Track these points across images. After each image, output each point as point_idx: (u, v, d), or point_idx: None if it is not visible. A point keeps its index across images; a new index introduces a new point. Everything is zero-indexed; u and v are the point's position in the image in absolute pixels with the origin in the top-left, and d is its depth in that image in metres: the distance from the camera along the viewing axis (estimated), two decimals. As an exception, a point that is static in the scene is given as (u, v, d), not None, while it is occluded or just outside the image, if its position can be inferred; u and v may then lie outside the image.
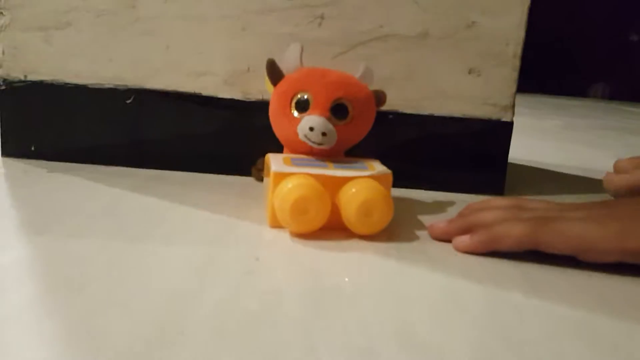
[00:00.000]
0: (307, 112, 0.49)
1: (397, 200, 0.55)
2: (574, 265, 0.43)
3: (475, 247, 0.44)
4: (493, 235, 0.44)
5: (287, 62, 0.52)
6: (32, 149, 0.64)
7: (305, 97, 0.49)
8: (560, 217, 0.44)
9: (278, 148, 0.54)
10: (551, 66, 2.90)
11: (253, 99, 0.62)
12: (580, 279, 0.42)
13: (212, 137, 0.63)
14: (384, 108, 0.55)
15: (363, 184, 0.46)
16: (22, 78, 0.63)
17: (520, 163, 0.86)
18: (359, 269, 0.41)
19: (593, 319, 0.36)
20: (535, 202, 0.47)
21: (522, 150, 0.93)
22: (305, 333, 0.31)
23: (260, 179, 0.61)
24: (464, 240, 0.45)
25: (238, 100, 0.62)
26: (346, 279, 0.39)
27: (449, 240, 0.47)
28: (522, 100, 2.26)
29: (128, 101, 0.63)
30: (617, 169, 0.64)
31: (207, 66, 0.62)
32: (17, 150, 0.64)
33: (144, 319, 0.31)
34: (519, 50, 0.61)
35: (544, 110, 2.04)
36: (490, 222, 0.45)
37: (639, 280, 0.42)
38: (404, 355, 0.30)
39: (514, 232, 0.43)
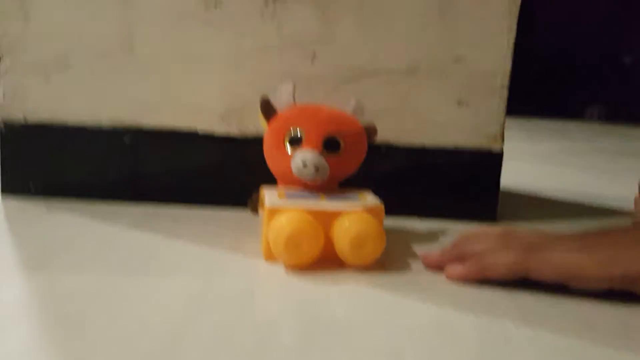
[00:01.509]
0: (300, 147, 0.50)
1: (390, 231, 0.56)
2: (564, 292, 0.44)
3: (466, 275, 0.45)
4: (484, 264, 0.45)
5: (280, 100, 0.54)
6: (31, 187, 0.65)
7: (298, 133, 0.51)
8: (549, 246, 0.45)
9: (273, 181, 0.55)
10: (547, 89, 2.94)
11: (249, 134, 0.64)
12: (570, 306, 0.42)
13: (209, 171, 0.64)
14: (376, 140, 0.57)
15: (355, 217, 0.47)
16: (22, 120, 0.64)
17: (515, 190, 0.87)
18: (352, 302, 0.42)
19: (582, 346, 0.36)
20: (525, 232, 0.48)
21: (517, 175, 0.94)
22: (298, 367, 0.32)
23: (256, 211, 0.62)
24: (456, 269, 0.46)
25: (234, 136, 0.64)
26: (342, 312, 0.40)
27: (442, 270, 0.47)
28: (518, 124, 2.28)
29: (126, 140, 0.64)
30: None
31: (202, 104, 0.63)
32: (16, 188, 0.65)
33: (140, 353, 0.32)
34: (505, 81, 0.62)
35: (540, 133, 2.06)
36: (481, 251, 0.46)
37: (627, 307, 0.43)
38: (394, 387, 0.30)
39: (504, 261, 0.44)
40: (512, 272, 0.44)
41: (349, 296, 0.42)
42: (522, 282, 0.45)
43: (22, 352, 0.32)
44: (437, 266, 0.48)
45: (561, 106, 3.00)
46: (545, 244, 0.45)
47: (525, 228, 0.50)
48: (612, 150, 1.67)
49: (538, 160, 1.33)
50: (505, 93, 0.63)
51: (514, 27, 0.62)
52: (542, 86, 2.89)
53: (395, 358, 0.33)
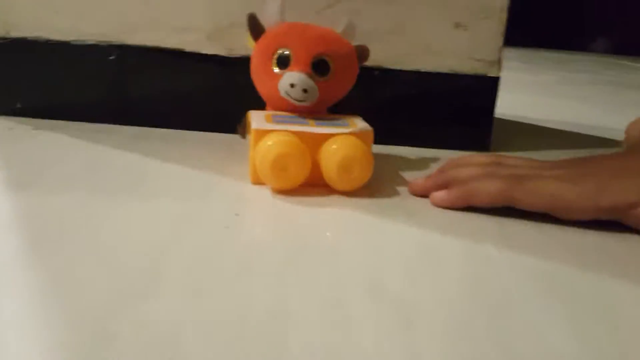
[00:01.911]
0: (288, 69, 0.49)
1: (380, 157, 0.56)
2: (549, 219, 0.44)
3: (451, 202, 0.45)
4: (469, 191, 0.44)
5: (268, 17, 0.51)
6: (18, 106, 0.64)
7: (286, 53, 0.49)
8: (536, 175, 0.44)
9: (262, 105, 0.54)
10: (553, 20, 2.85)
11: (237, 55, 0.61)
12: (555, 232, 0.42)
13: (196, 94, 0.63)
14: (368, 64, 0.55)
15: (343, 141, 0.46)
16: (5, 35, 0.62)
17: (511, 118, 0.86)
18: (338, 225, 0.42)
19: (565, 271, 0.36)
20: (514, 159, 0.47)
21: (513, 105, 0.93)
22: (279, 284, 0.32)
23: (244, 136, 0.61)
24: (440, 195, 0.46)
25: (222, 56, 0.62)
26: (328, 234, 0.40)
27: (427, 196, 0.47)
28: (520, 54, 2.23)
29: (111, 57, 0.62)
30: None
31: (189, 22, 0.61)
32: (3, 107, 0.64)
33: (121, 271, 0.32)
34: (505, 3, 0.60)
35: (541, 65, 2.02)
36: (467, 178, 0.45)
37: (611, 234, 0.43)
38: (373, 307, 0.31)
39: (490, 189, 0.44)
40: (496, 200, 0.44)
41: (334, 220, 0.42)
42: (508, 209, 0.45)
43: (4, 265, 0.32)
44: (423, 192, 0.48)
45: (566, 38, 2.92)
46: (532, 173, 0.45)
47: (514, 155, 0.49)
48: (615, 82, 1.64)
49: (536, 91, 1.31)
50: (504, 16, 0.60)
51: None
52: (547, 17, 2.80)
53: (375, 280, 0.34)
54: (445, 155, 0.62)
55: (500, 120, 0.73)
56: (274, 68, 0.49)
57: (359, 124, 0.49)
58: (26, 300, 0.29)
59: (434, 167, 0.57)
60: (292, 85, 0.48)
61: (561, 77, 1.67)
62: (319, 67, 0.49)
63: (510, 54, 0.59)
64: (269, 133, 0.46)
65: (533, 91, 1.29)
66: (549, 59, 2.29)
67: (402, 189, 0.49)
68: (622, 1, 2.85)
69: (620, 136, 0.78)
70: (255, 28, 0.51)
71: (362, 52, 0.52)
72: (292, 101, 0.49)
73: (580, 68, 2.03)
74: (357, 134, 0.47)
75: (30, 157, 0.51)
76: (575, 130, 0.83)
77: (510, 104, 0.83)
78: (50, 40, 0.62)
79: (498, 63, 0.62)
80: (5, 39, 0.62)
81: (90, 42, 0.62)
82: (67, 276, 0.31)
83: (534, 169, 0.45)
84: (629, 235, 0.42)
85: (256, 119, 0.48)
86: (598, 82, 1.61)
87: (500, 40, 0.61)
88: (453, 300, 0.32)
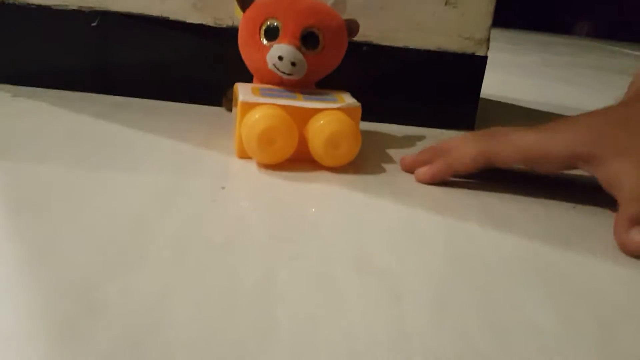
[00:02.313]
0: (277, 41, 0.48)
1: (367, 134, 0.55)
2: (533, 198, 0.45)
3: (434, 174, 0.45)
4: (449, 160, 0.45)
5: (257, -13, 0.50)
6: (-6, 72, 0.62)
7: (275, 24, 0.48)
8: (515, 130, 0.44)
9: (249, 77, 0.53)
10: (536, 2, 2.85)
11: (224, 25, 0.60)
12: (537, 212, 0.43)
13: (181, 64, 0.62)
14: (357, 39, 0.54)
15: (331, 116, 0.46)
16: (-20, -4, 0.60)
17: (494, 99, 0.86)
18: (323, 200, 0.42)
19: (547, 249, 0.37)
20: (499, 128, 0.47)
21: (497, 85, 0.93)
22: (265, 258, 0.32)
23: (230, 109, 0.61)
24: (423, 170, 0.46)
25: (208, 26, 0.60)
26: (312, 210, 0.40)
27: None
28: (504, 35, 2.23)
29: (93, 24, 0.60)
30: None
31: (175, -11, 0.59)
32: (-21, 73, 0.62)
33: (104, 242, 0.32)
34: (496, -18, 0.59)
35: (525, 46, 2.02)
36: (449, 148, 0.45)
37: (594, 214, 0.44)
38: (359, 280, 0.31)
39: (468, 152, 0.44)
40: (477, 162, 0.44)
41: (320, 195, 0.42)
42: (492, 188, 0.45)
43: (-16, 235, 0.31)
44: (410, 168, 0.48)
45: (550, 20, 2.93)
46: (511, 131, 0.44)
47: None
48: (596, 66, 1.66)
49: (520, 72, 1.32)
50: (494, -5, 0.60)
51: None
52: (533, 0, 2.80)
53: (360, 254, 0.34)
54: (431, 133, 0.62)
55: (485, 100, 0.74)
56: (262, 39, 0.49)
57: (347, 99, 0.49)
58: (9, 272, 0.28)
59: (419, 145, 0.57)
60: (280, 58, 0.47)
61: (544, 59, 1.68)
62: (308, 40, 0.48)
63: (494, 34, 0.59)
64: (256, 106, 0.45)
65: (517, 72, 1.30)
66: (532, 41, 2.30)
67: (388, 166, 0.50)
68: (607, -15, 2.87)
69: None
70: (244, -3, 0.50)
71: (352, 27, 0.51)
72: (280, 74, 0.48)
73: (562, 51, 2.05)
74: (345, 110, 0.47)
75: (8, 125, 0.50)
76: (559, 111, 0.84)
77: (494, 83, 0.83)
78: (30, 4, 0.60)
79: (486, 42, 0.62)
80: (-18, 1, 0.60)
81: (72, 7, 0.60)
82: (51, 247, 0.31)
83: (515, 129, 0.45)
84: (612, 215, 0.43)
85: (243, 91, 0.47)
86: (580, 65, 1.63)
87: (489, 19, 0.61)
88: (438, 275, 0.32)
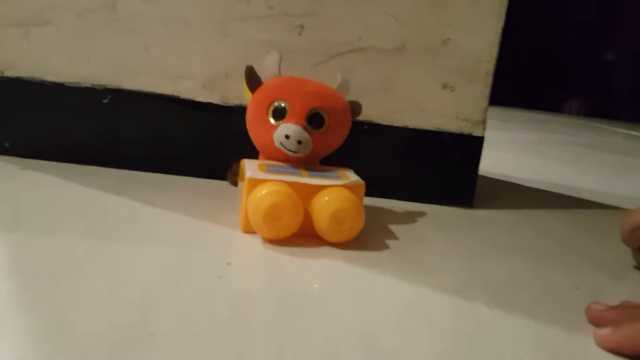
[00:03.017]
0: (284, 120, 0.50)
1: (369, 209, 0.56)
2: (538, 280, 0.45)
3: (618, 343, 0.36)
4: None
5: (266, 70, 0.53)
6: (6, 145, 0.63)
7: (283, 105, 0.50)
8: None
9: (254, 153, 0.54)
10: (527, 81, 2.96)
11: (231, 104, 0.63)
12: (541, 291, 0.43)
13: (188, 140, 0.63)
14: (359, 118, 0.56)
15: (336, 193, 0.47)
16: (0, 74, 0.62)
17: (492, 176, 0.88)
18: (328, 276, 0.42)
19: (554, 331, 0.37)
20: None
21: (494, 163, 0.95)
22: (273, 337, 0.32)
23: (234, 183, 0.62)
24: (605, 334, 0.37)
25: (216, 105, 0.63)
26: (316, 285, 0.40)
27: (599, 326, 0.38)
28: (497, 113, 2.30)
29: (105, 101, 0.63)
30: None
31: (186, 69, 0.62)
32: (-10, 145, 0.63)
33: (113, 319, 0.32)
34: (491, 68, 0.63)
35: (518, 124, 2.08)
36: None
37: (596, 294, 0.44)
38: (367, 361, 0.31)
39: None
40: None
41: (325, 271, 0.43)
42: (496, 266, 0.45)
43: (-9, 309, 0.31)
44: (595, 321, 0.39)
45: (541, 99, 3.03)
46: None
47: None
48: (588, 144, 1.70)
49: (515, 150, 1.35)
50: (489, 80, 0.63)
51: (504, 15, 0.62)
52: (523, 78, 2.91)
53: (367, 334, 0.34)
54: (432, 209, 0.63)
55: (483, 177, 0.75)
56: (270, 119, 0.51)
57: (351, 176, 0.50)
58: (19, 349, 0.28)
59: (420, 221, 0.58)
60: (287, 137, 0.49)
61: (539, 136, 1.73)
62: (314, 120, 0.50)
63: (489, 112, 0.61)
64: (262, 182, 0.46)
65: (513, 150, 1.33)
66: (526, 119, 2.37)
67: (391, 242, 0.50)
68: (596, 66, 2.99)
69: (598, 198, 0.81)
70: (253, 80, 0.52)
71: (355, 108, 0.54)
72: (286, 152, 0.50)
73: (557, 129, 2.10)
74: (350, 187, 0.48)
75: (17, 197, 0.51)
76: (554, 189, 0.85)
77: (491, 161, 0.86)
78: (44, 81, 0.62)
79: (483, 123, 0.64)
80: (0, 77, 0.62)
81: (85, 85, 0.62)
82: (60, 324, 0.31)
83: None
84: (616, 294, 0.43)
85: (250, 167, 0.49)
86: (574, 143, 1.67)
87: (485, 102, 0.63)
88: (447, 356, 0.32)
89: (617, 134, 2.22)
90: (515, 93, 2.83)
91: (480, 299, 0.40)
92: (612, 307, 0.39)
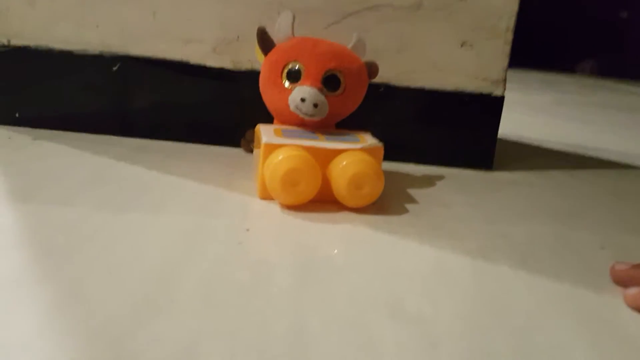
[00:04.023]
0: (299, 83, 0.48)
1: (387, 174, 0.55)
2: (562, 241, 0.44)
3: None
4: None
5: (278, 31, 0.51)
6: (17, 115, 0.62)
7: (297, 67, 0.49)
8: None
9: (267, 119, 0.53)
10: (541, 41, 2.90)
11: (243, 69, 0.61)
12: (567, 254, 0.42)
13: (200, 107, 0.62)
14: (375, 80, 0.55)
15: (354, 157, 0.46)
16: (6, 43, 0.61)
17: (509, 138, 0.86)
18: (349, 242, 0.41)
19: (580, 291, 0.36)
20: None
21: (511, 125, 0.93)
22: (295, 304, 0.31)
23: (249, 150, 0.61)
24: (634, 293, 0.36)
25: (227, 70, 0.61)
26: (335, 251, 0.39)
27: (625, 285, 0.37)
28: (511, 75, 2.25)
29: (114, 68, 0.61)
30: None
31: (195, 34, 0.60)
32: (1, 116, 0.62)
33: (133, 286, 0.31)
34: (511, 24, 0.60)
35: (533, 85, 2.04)
36: None
37: (623, 255, 0.43)
38: (393, 326, 0.30)
39: None
40: None
41: (345, 237, 0.42)
42: (518, 226, 0.44)
43: (12, 281, 0.31)
44: (621, 281, 0.38)
45: (554, 59, 2.97)
46: None
47: None
48: (603, 104, 1.67)
49: (531, 111, 1.32)
50: (510, 36, 0.61)
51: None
52: (536, 39, 2.84)
53: (391, 299, 0.33)
54: (450, 172, 0.61)
55: (501, 139, 0.74)
56: (284, 82, 0.49)
57: (369, 139, 0.49)
58: (38, 317, 0.28)
59: (439, 184, 0.57)
60: (302, 100, 0.47)
61: (552, 97, 1.70)
62: (329, 82, 0.49)
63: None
64: (279, 147, 0.45)
65: (528, 111, 1.30)
66: (538, 80, 2.32)
67: (410, 206, 0.49)
68: (610, 24, 2.91)
69: (617, 157, 0.79)
70: (266, 42, 0.50)
71: (371, 68, 0.52)
72: (302, 115, 0.48)
73: (569, 89, 2.06)
74: (368, 150, 0.47)
75: (30, 168, 0.50)
76: (572, 150, 0.84)
77: (508, 123, 0.84)
78: (52, 49, 0.61)
79: (503, 82, 0.62)
80: (6, 47, 0.61)
81: (93, 52, 0.61)
82: (79, 291, 0.30)
83: None
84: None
85: (266, 132, 0.48)
86: (588, 103, 1.64)
87: (505, 60, 0.61)
88: (473, 321, 0.31)
89: (633, 94, 2.17)
90: (528, 54, 2.77)
91: (503, 262, 0.40)
92: (637, 266, 0.38)
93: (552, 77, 2.55)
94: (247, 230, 0.41)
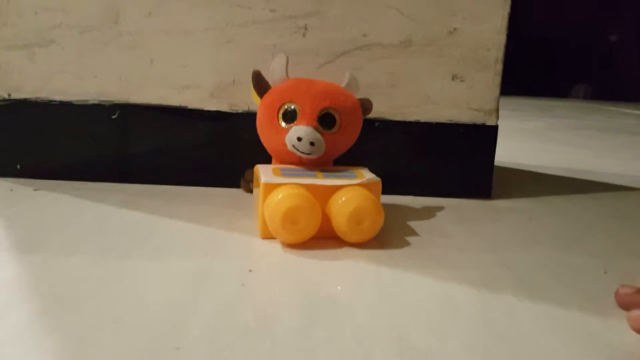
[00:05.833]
0: (295, 123, 0.49)
1: (386, 207, 0.56)
2: (562, 264, 0.44)
3: None
4: None
5: (273, 73, 0.52)
6: (18, 167, 0.63)
7: (293, 107, 0.50)
8: None
9: (266, 159, 0.54)
10: (532, 68, 2.94)
11: (240, 111, 0.62)
12: (568, 276, 0.42)
13: (199, 150, 0.63)
14: (370, 116, 0.56)
15: (353, 192, 0.46)
16: (6, 97, 0.62)
17: (506, 165, 0.87)
18: (352, 278, 0.41)
19: (585, 318, 0.36)
20: None
21: (507, 152, 0.94)
22: (303, 342, 0.31)
23: (248, 190, 0.61)
24: (637, 314, 0.35)
25: (224, 112, 0.62)
26: (339, 287, 0.39)
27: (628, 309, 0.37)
28: (505, 102, 2.28)
29: (113, 116, 0.62)
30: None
31: (192, 79, 0.62)
32: (3, 169, 0.63)
33: (139, 334, 0.31)
34: (500, 55, 0.62)
35: (526, 112, 2.07)
36: None
37: (625, 279, 0.43)
38: (400, 361, 0.30)
39: None
40: None
41: (348, 273, 0.42)
42: (520, 254, 0.44)
43: (20, 334, 0.31)
44: (626, 305, 0.38)
45: (547, 85, 3.01)
46: None
47: None
48: (599, 127, 1.69)
49: (527, 137, 1.34)
50: (500, 67, 0.62)
51: (509, 0, 0.61)
52: (528, 65, 2.89)
53: (398, 333, 0.33)
54: (450, 203, 0.62)
55: (498, 167, 0.74)
56: (281, 122, 0.50)
57: (367, 174, 0.50)
58: (44, 369, 0.28)
59: (439, 216, 0.57)
60: (299, 139, 0.48)
61: (548, 123, 1.71)
62: (325, 120, 0.50)
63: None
64: (278, 186, 0.46)
65: (524, 137, 1.32)
66: (533, 106, 2.35)
67: (411, 239, 0.49)
68: (600, 48, 2.96)
69: (615, 180, 0.79)
70: (261, 84, 0.52)
71: (365, 105, 0.53)
72: (299, 154, 0.49)
73: (564, 114, 2.09)
74: (366, 185, 0.47)
75: (33, 219, 0.50)
76: (569, 174, 0.84)
77: (504, 150, 0.85)
78: (52, 101, 0.62)
79: (495, 112, 0.63)
80: (7, 100, 0.62)
81: (92, 102, 0.62)
82: (88, 342, 0.30)
83: None
84: (644, 279, 0.42)
85: (264, 172, 0.48)
86: (583, 127, 1.65)
87: (496, 90, 0.62)
88: (481, 351, 0.31)
89: (628, 115, 2.20)
90: (521, 81, 2.81)
91: (508, 291, 0.40)
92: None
93: (546, 103, 2.58)
94: (250, 271, 0.41)
